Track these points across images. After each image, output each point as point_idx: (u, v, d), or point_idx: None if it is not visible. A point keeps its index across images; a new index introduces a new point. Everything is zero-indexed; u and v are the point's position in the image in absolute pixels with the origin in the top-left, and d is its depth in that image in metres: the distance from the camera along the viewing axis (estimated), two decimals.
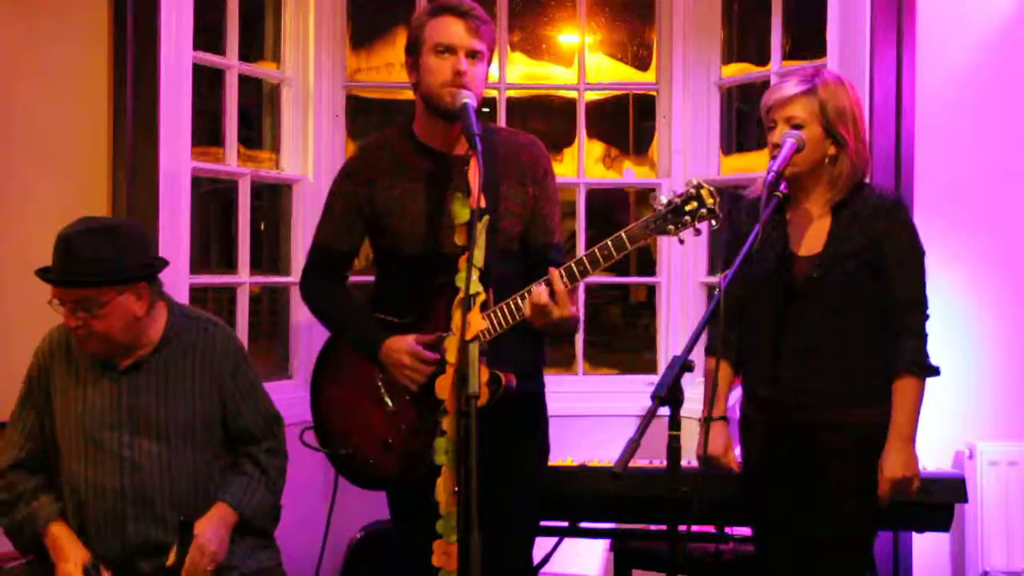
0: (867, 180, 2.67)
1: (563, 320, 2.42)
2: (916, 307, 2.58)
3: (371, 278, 2.86)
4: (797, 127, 2.56)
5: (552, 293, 2.39)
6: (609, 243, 2.37)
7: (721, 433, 2.73)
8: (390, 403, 2.65)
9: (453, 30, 2.57)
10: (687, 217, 2.32)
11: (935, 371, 2.57)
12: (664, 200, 2.34)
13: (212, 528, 2.54)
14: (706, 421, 2.70)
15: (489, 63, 2.66)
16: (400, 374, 2.61)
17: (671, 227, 2.33)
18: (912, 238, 2.61)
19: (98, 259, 2.45)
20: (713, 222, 2.33)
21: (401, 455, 2.63)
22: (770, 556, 2.71)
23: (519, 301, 2.46)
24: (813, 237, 2.61)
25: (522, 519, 2.74)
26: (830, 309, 2.57)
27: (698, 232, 2.35)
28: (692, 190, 2.32)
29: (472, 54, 2.57)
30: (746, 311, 2.68)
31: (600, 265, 2.38)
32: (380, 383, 2.66)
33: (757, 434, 2.71)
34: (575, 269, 2.40)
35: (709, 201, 2.31)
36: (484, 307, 2.47)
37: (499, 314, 2.47)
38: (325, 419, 2.77)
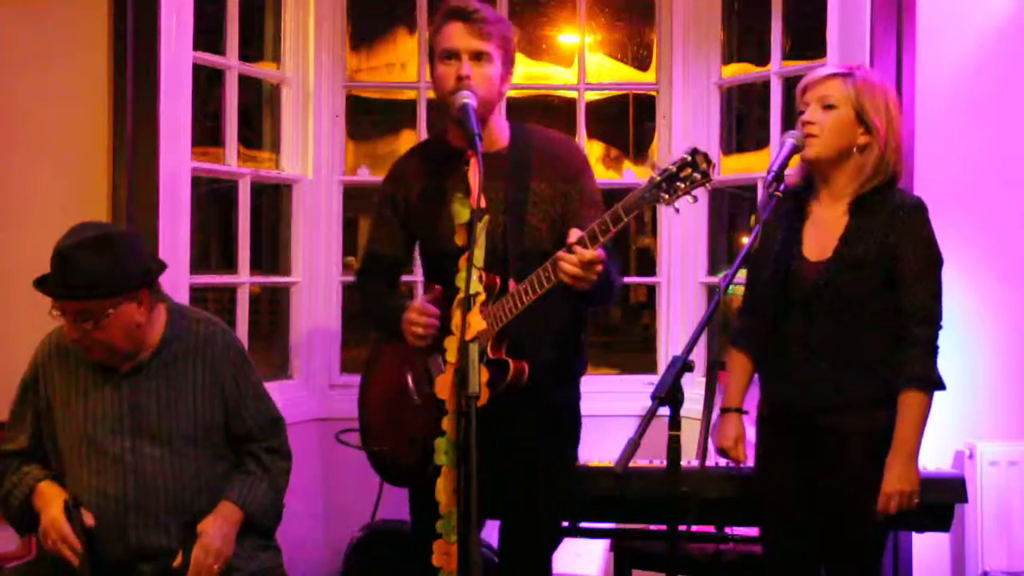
0: (898, 183, 2.62)
1: (593, 263, 2.34)
2: (927, 318, 2.53)
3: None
4: (829, 107, 2.54)
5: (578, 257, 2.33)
6: (606, 217, 2.33)
7: (733, 424, 2.72)
8: (416, 398, 2.67)
9: (455, 34, 2.56)
10: (681, 184, 2.24)
11: (941, 386, 2.54)
12: (661, 168, 2.28)
13: (216, 526, 2.54)
14: (722, 412, 2.71)
15: (506, 63, 2.62)
16: (407, 330, 2.61)
17: (665, 195, 2.25)
18: (929, 246, 2.56)
19: (96, 271, 2.42)
20: (708, 189, 2.26)
21: (421, 451, 2.64)
22: (777, 558, 2.70)
23: (551, 268, 2.38)
24: (826, 240, 2.58)
25: (543, 526, 2.74)
26: (838, 314, 2.55)
27: (694, 199, 2.27)
28: (687, 156, 2.25)
29: (477, 55, 2.55)
30: (759, 309, 2.68)
31: (599, 241, 2.33)
32: (409, 378, 2.69)
33: (768, 434, 2.70)
34: (587, 239, 2.36)
35: (703, 165, 2.23)
36: (494, 295, 2.48)
37: (523, 289, 2.44)
38: (367, 418, 2.82)
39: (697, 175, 2.24)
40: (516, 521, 2.71)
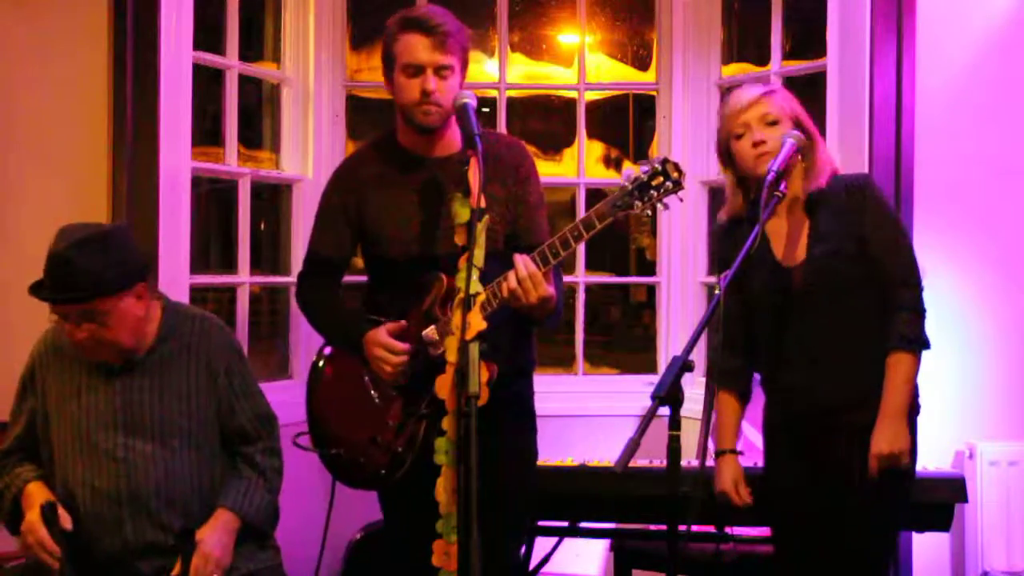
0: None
1: (541, 300, 2.43)
2: (907, 281, 2.55)
3: (364, 278, 2.88)
4: (772, 123, 2.57)
5: (521, 277, 2.40)
6: (579, 223, 2.38)
7: (730, 468, 2.70)
8: (376, 398, 2.67)
9: (419, 48, 2.57)
10: (653, 192, 2.32)
11: (925, 344, 2.53)
12: (632, 176, 2.34)
13: (215, 535, 2.53)
14: (717, 455, 2.70)
15: (463, 71, 2.64)
16: (375, 365, 2.63)
17: (637, 203, 2.32)
18: (889, 214, 2.60)
19: (95, 270, 2.42)
20: (680, 198, 2.34)
21: (386, 451, 2.64)
22: (787, 559, 2.70)
23: (498, 286, 2.46)
24: (796, 244, 2.60)
25: (509, 521, 2.73)
26: (830, 310, 2.56)
27: (665, 207, 2.34)
28: (658, 165, 2.32)
29: (440, 69, 2.57)
30: (750, 329, 2.68)
31: (571, 246, 2.40)
32: (367, 379, 2.68)
33: (777, 440, 2.70)
34: (547, 252, 2.42)
35: (675, 175, 2.31)
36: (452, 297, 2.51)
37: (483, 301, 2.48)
38: (319, 421, 2.80)
39: (668, 183, 2.31)
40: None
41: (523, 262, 2.40)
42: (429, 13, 2.61)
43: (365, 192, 2.74)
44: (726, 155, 2.67)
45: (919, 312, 2.55)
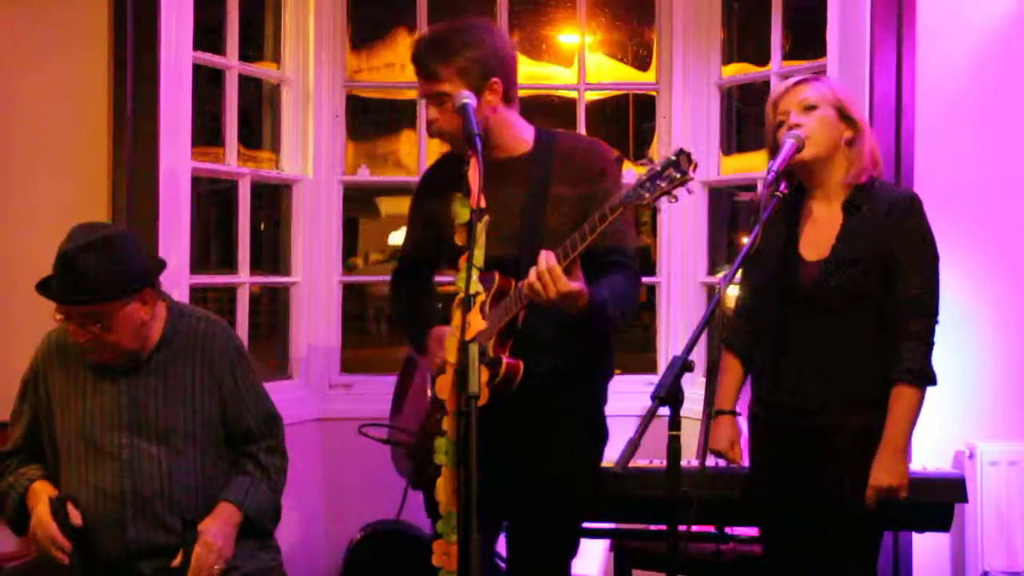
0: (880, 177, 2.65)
1: (564, 297, 2.38)
2: (922, 310, 2.51)
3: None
4: (810, 108, 2.55)
5: (540, 271, 2.37)
6: (595, 217, 2.37)
7: (727, 427, 2.72)
8: (431, 394, 2.69)
9: (419, 82, 2.63)
10: (661, 183, 2.28)
11: (931, 380, 2.52)
12: (649, 168, 2.32)
13: (217, 525, 2.54)
14: (715, 415, 2.70)
15: (472, 81, 2.56)
16: (430, 360, 2.67)
17: (646, 195, 2.29)
18: (924, 239, 2.56)
19: (102, 273, 2.43)
20: (689, 189, 2.30)
21: (423, 450, 2.65)
22: (775, 556, 2.70)
23: (522, 284, 2.45)
24: (822, 239, 2.58)
25: (562, 529, 2.72)
26: (832, 313, 2.55)
27: (674, 199, 2.30)
28: (673, 156, 2.28)
29: (434, 97, 2.57)
30: (751, 312, 2.69)
31: (587, 239, 2.37)
32: (429, 376, 2.71)
33: (763, 434, 2.70)
34: (568, 247, 2.40)
35: (685, 166, 2.27)
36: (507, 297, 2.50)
37: (511, 299, 2.48)
38: (396, 416, 2.87)
39: (677, 175, 2.27)
40: (525, 528, 2.70)
41: (544, 257, 2.39)
42: (417, 43, 2.63)
43: (433, 199, 2.76)
44: (775, 149, 2.63)
45: (928, 343, 2.52)
